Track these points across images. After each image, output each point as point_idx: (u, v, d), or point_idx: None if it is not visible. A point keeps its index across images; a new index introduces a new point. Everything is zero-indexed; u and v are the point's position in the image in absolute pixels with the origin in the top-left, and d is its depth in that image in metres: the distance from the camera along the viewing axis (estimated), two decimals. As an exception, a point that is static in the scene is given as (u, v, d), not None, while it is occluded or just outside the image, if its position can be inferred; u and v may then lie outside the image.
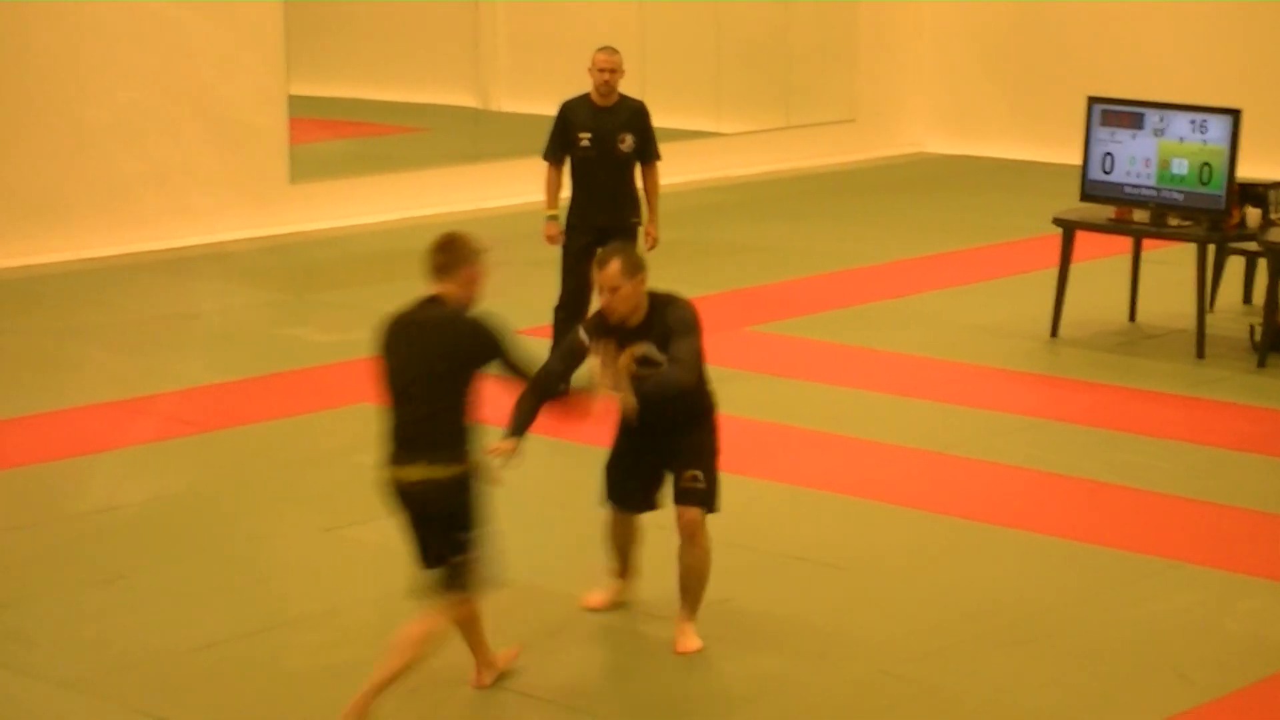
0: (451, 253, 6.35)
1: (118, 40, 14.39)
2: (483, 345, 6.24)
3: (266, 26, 15.32)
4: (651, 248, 10.37)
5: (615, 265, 6.61)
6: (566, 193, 10.35)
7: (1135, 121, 11.40)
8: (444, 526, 6.15)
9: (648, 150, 10.30)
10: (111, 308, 12.45)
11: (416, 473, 6.09)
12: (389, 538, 7.92)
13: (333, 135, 19.52)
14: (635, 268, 6.66)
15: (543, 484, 8.67)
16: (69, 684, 6.39)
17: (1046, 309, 11.73)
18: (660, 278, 12.69)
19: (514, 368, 6.31)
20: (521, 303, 12.18)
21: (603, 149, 10.18)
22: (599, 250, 7.04)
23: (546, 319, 10.38)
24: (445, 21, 20.83)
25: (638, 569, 7.19)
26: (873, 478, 8.95)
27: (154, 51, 14.62)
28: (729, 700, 6.46)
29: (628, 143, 10.19)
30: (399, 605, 7.20)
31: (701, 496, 6.76)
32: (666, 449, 6.80)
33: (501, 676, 6.47)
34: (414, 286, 13.21)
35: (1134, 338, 11.79)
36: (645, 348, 6.60)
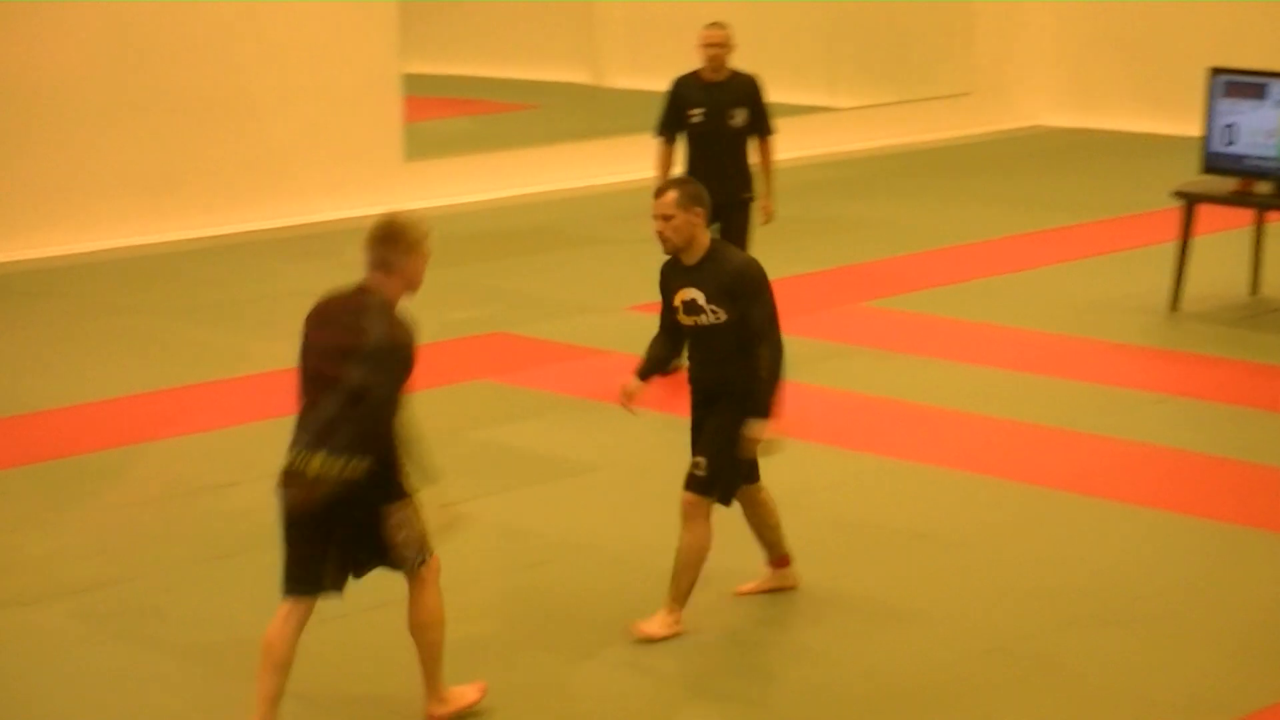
0: (390, 248, 5.78)
1: (236, 19, 14.53)
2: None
3: (381, 5, 15.42)
4: (765, 222, 10.35)
5: (671, 195, 6.54)
6: (680, 170, 10.33)
7: (1258, 92, 11.22)
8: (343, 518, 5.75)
9: (761, 124, 10.26)
10: (229, 286, 12.58)
11: (318, 464, 5.65)
12: (504, 513, 8.00)
13: (447, 113, 19.60)
14: (692, 199, 6.55)
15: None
16: (195, 656, 6.47)
17: (1166, 283, 11.58)
18: (775, 253, 12.71)
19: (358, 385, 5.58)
20: (633, 280, 12.22)
21: (714, 124, 10.15)
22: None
23: (658, 296, 10.36)
24: (559, -2, 20.86)
25: (781, 552, 7.06)
26: (988, 453, 8.87)
27: (270, 31, 14.75)
28: (844, 679, 6.42)
29: (739, 118, 10.16)
30: (515, 579, 7.25)
31: (699, 483, 6.60)
32: (699, 427, 6.74)
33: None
34: (525, 264, 13.28)
35: (1256, 311, 11.61)
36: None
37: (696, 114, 10.18)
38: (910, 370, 10.34)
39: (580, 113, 19.23)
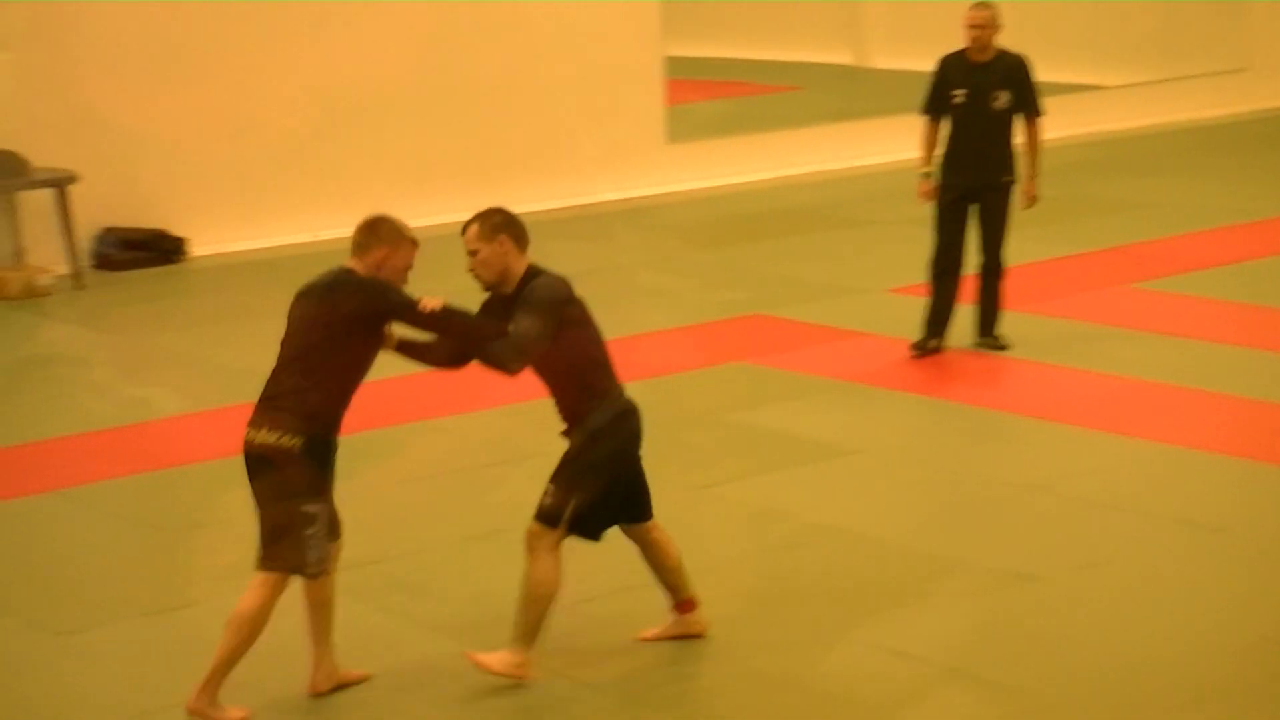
0: (369, 233, 5.99)
1: (503, 11, 14.74)
2: (360, 300, 5.87)
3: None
4: (1027, 206, 10.18)
5: (473, 228, 6.10)
6: (940, 150, 10.22)
7: None
8: (269, 496, 5.87)
9: (1027, 106, 10.09)
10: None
11: (261, 437, 5.84)
12: (761, 495, 8.00)
13: (709, 96, 19.66)
14: (496, 229, 6.07)
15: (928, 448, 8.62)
16: (453, 633, 6.57)
17: None
18: (1040, 235, 12.58)
19: (415, 319, 5.92)
20: (895, 262, 12.13)
21: (976, 105, 10.01)
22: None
23: (922, 277, 10.29)
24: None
25: (684, 596, 6.44)
26: (1260, 439, 8.62)
27: (536, 20, 14.94)
28: (1102, 668, 6.30)
29: (1001, 99, 10.00)
30: (771, 561, 7.25)
31: (543, 512, 6.06)
32: None
33: (342, 688, 6.09)
34: (785, 246, 13.24)
35: None
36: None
37: (959, 95, 10.05)
38: (1180, 353, 10.09)
39: (842, 94, 19.14)
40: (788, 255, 12.97)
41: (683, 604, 6.44)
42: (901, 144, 15.65)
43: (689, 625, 6.45)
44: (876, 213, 14.49)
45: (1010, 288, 10.30)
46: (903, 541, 7.38)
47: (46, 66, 12.79)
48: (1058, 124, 15.66)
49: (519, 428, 8.95)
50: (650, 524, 6.38)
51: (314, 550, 5.86)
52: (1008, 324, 10.30)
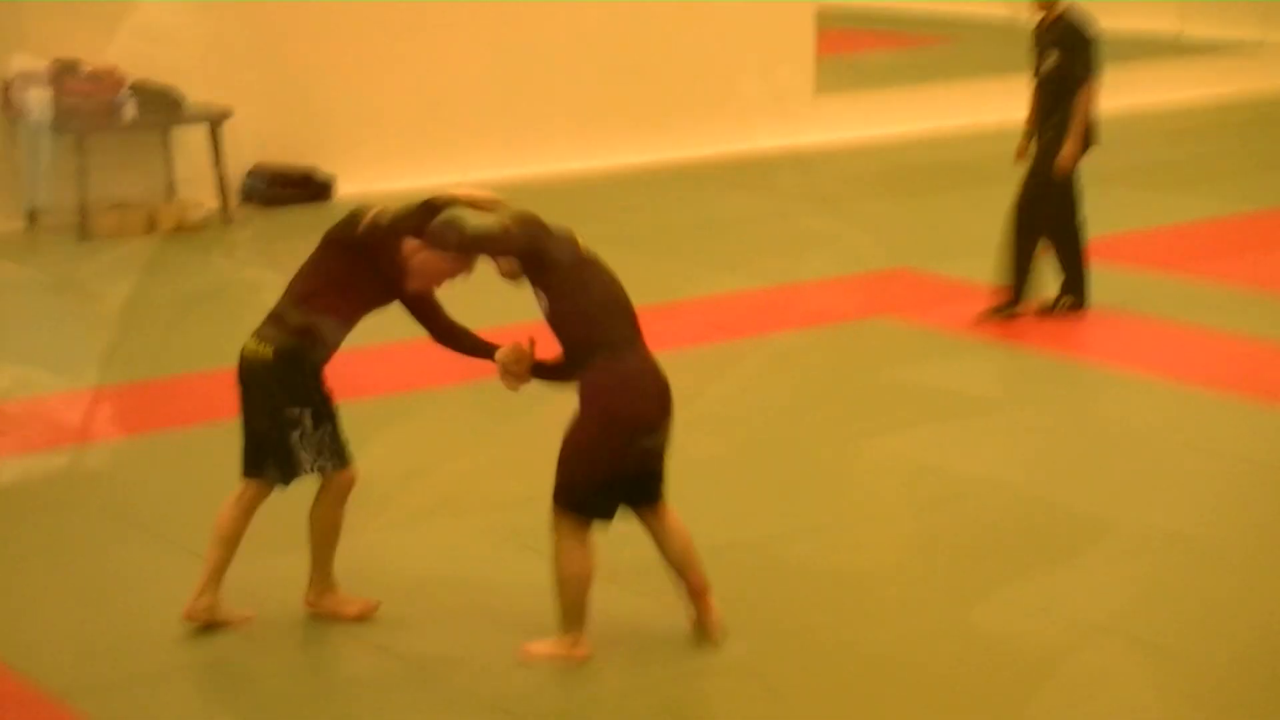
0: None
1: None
2: (348, 217, 6.03)
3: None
4: (1056, 174, 9.80)
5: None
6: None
7: None
8: (255, 405, 6.07)
9: (1072, 69, 9.72)
10: (645, 213, 12.73)
11: (248, 346, 6.09)
12: (911, 450, 7.93)
13: (864, 47, 19.49)
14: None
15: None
16: (605, 576, 6.57)
17: None
18: (1205, 193, 12.25)
19: (403, 216, 5.88)
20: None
21: (1036, 69, 9.86)
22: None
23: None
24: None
25: (688, 585, 6.05)
26: None
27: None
28: (1267, 635, 6.18)
29: (1048, 61, 9.77)
30: (922, 517, 7.18)
31: (554, 494, 5.80)
32: None
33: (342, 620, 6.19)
34: (933, 201, 13.10)
35: None
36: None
37: (1033, 58, 9.91)
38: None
39: (996, 46, 18.87)
40: (935, 210, 12.84)
41: (695, 589, 5.99)
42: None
43: (701, 613, 6.01)
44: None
45: (1172, 248, 10.13)
46: (1055, 498, 7.28)
47: (207, 7, 12.89)
48: (1222, 79, 15.40)
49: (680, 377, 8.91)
50: (658, 508, 5.93)
51: (305, 451, 6.00)
52: (1173, 285, 10.11)
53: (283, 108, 13.27)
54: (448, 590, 6.47)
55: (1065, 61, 9.71)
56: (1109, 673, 5.85)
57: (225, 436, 8.16)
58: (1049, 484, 7.49)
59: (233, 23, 12.94)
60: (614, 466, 5.76)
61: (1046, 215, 9.86)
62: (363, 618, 6.20)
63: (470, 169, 13.64)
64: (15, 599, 6.51)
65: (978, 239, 11.85)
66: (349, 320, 6.11)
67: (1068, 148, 9.71)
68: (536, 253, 5.74)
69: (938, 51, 19.65)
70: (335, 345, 6.11)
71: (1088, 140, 9.79)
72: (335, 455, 6.10)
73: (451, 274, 5.96)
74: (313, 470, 6.08)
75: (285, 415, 6.01)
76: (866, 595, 6.40)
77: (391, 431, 8.09)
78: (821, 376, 9.20)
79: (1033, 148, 9.89)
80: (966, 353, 9.42)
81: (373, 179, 13.47)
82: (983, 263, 11.21)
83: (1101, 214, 12.54)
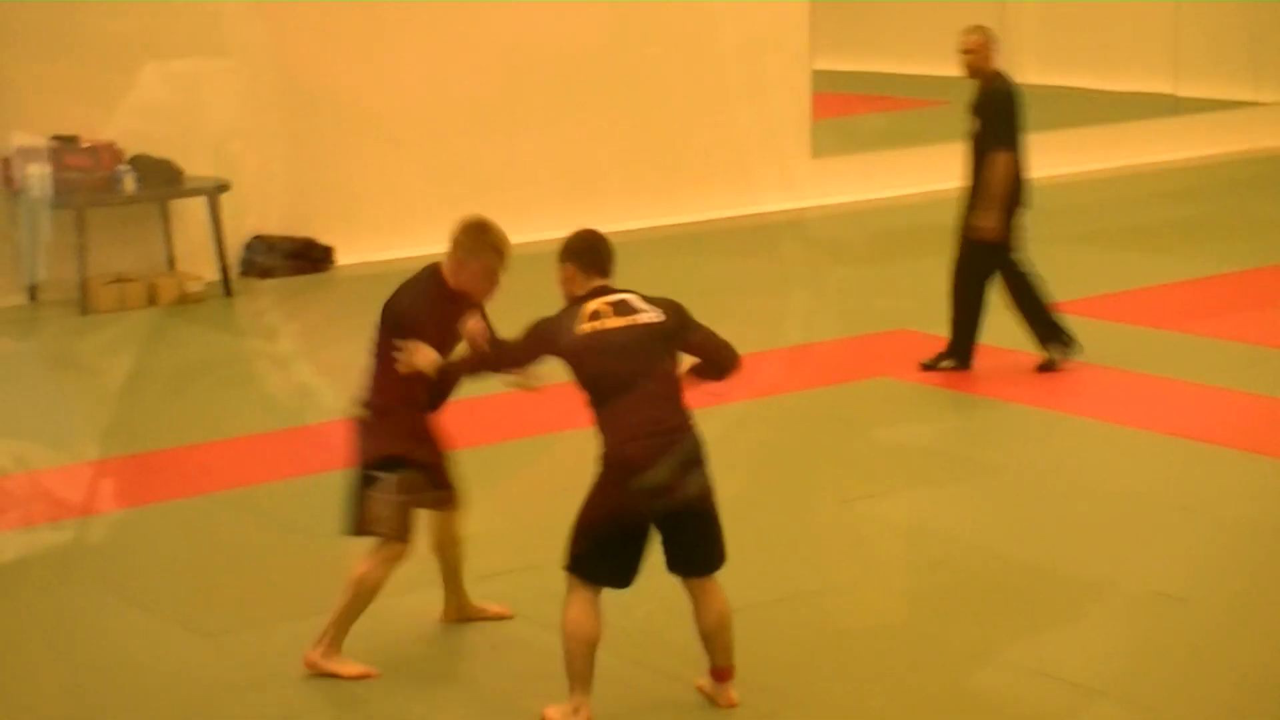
0: (451, 237, 6.26)
1: (646, 20, 14.79)
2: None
3: (793, 4, 15.49)
4: (975, 236, 9.89)
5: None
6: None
7: None
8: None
9: (990, 135, 9.80)
10: (644, 278, 12.74)
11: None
12: (907, 512, 7.95)
13: (858, 110, 19.58)
14: (561, 255, 6.07)
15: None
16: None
17: None
18: (1196, 254, 12.35)
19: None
20: (1043, 278, 11.99)
21: (970, 129, 9.92)
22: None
23: (1066, 294, 10.15)
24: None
25: (712, 664, 6.03)
26: None
27: (684, 30, 14.97)
28: (1261, 697, 6.18)
29: (974, 126, 9.86)
30: (917, 579, 7.19)
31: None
32: None
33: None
34: (930, 263, 13.16)
35: None
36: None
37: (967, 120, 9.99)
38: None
39: (990, 109, 18.94)
40: (935, 271, 12.85)
41: (716, 670, 5.99)
42: (1050, 160, 15.53)
43: (717, 694, 6.01)
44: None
45: (1164, 306, 10.16)
46: (1050, 561, 7.29)
47: (203, 80, 12.97)
48: (1216, 140, 15.49)
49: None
50: (700, 580, 5.92)
51: (384, 508, 6.19)
52: (1162, 341, 10.14)
53: (280, 179, 13.35)
54: (435, 660, 6.48)
55: (985, 128, 9.80)
56: (1106, 734, 5.86)
57: (224, 508, 8.23)
58: (1044, 546, 7.49)
59: (230, 95, 13.04)
60: (611, 516, 5.76)
61: (979, 276, 9.96)
62: (501, 617, 6.68)
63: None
64: (14, 675, 6.53)
65: (974, 300, 11.90)
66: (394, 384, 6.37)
67: (983, 216, 9.79)
68: (546, 351, 5.98)
69: (930, 114, 19.74)
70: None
71: (1016, 202, 9.88)
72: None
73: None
74: (383, 532, 6.34)
75: (364, 475, 6.39)
76: (867, 658, 6.40)
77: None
78: (821, 438, 9.23)
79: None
80: (963, 413, 9.44)
81: (372, 249, 13.54)
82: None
83: (1097, 273, 12.62)
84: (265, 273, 13.09)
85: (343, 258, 13.46)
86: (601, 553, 5.81)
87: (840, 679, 6.27)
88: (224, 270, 12.68)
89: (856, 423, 9.38)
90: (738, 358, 6.08)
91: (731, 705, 5.97)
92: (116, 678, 6.44)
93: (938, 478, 8.43)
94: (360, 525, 6.29)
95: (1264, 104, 18.41)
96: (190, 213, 12.90)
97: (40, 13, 12.42)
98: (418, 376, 6.18)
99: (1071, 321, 10.19)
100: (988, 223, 9.78)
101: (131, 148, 12.52)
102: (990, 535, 7.64)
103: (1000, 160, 9.74)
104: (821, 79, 16.03)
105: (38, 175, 12.10)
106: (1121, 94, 19.14)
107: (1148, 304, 11.65)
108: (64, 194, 12.12)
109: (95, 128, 12.49)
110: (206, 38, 12.96)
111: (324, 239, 13.46)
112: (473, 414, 7.41)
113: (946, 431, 9.13)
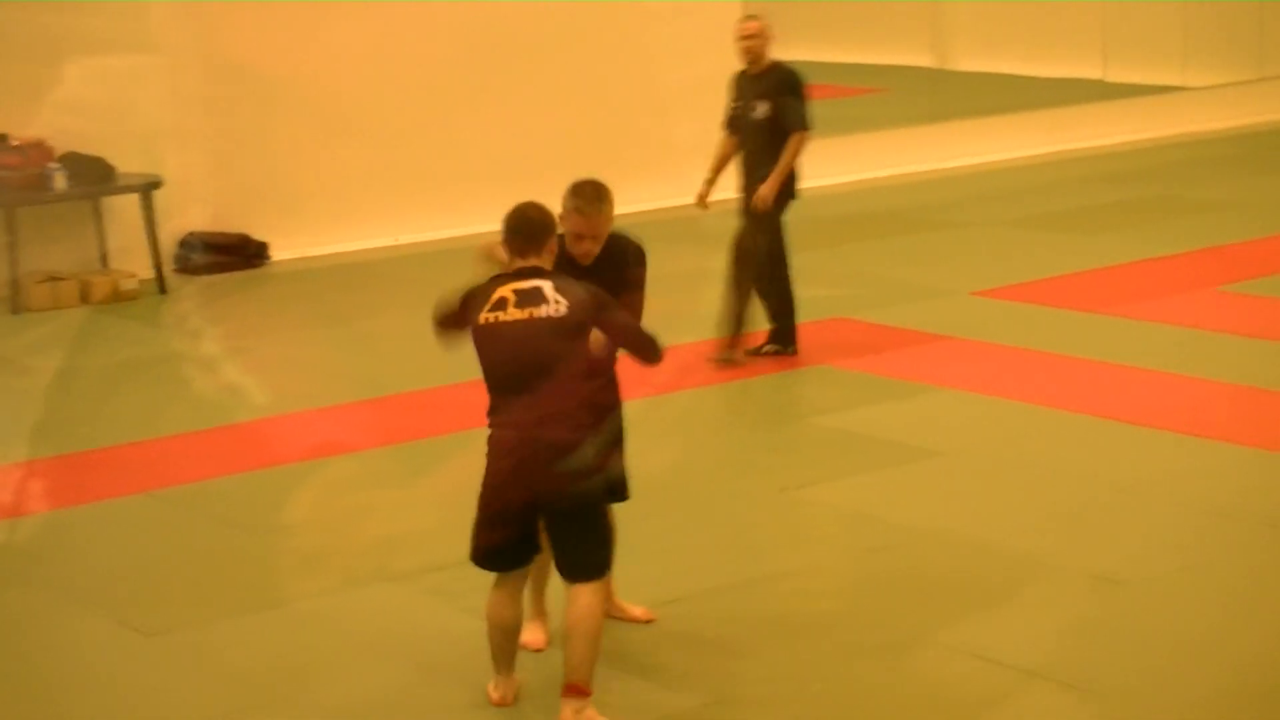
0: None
1: (588, 17, 14.79)
2: None
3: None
4: (757, 205, 10.10)
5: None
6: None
7: None
8: None
9: (785, 119, 10.00)
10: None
11: None
12: (848, 498, 7.97)
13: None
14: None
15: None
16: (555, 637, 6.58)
17: None
18: (1130, 237, 12.40)
19: None
20: (978, 264, 12.04)
21: (744, 117, 10.09)
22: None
23: (1004, 280, 10.19)
24: (903, -19, 20.72)
25: (568, 675, 5.81)
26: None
27: (624, 20, 14.97)
28: (1209, 670, 6.23)
29: (759, 110, 9.99)
30: (859, 564, 7.21)
31: None
32: None
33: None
34: (866, 249, 13.20)
35: None
36: None
37: (735, 107, 10.16)
38: (1270, 357, 9.98)
39: (926, 96, 19.04)
40: (869, 258, 12.92)
41: (567, 685, 5.76)
42: (986, 146, 15.64)
43: (562, 709, 5.76)
44: (961, 215, 14.40)
45: (1098, 290, 10.22)
46: (991, 544, 7.33)
47: (133, 76, 12.89)
48: (1143, 125, 15.58)
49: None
50: (570, 586, 5.79)
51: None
52: (1097, 325, 10.20)
53: (214, 175, 13.27)
54: (387, 652, 6.47)
55: (777, 112, 9.96)
56: (1041, 717, 5.88)
57: (162, 506, 8.18)
58: (984, 530, 7.52)
59: (161, 92, 12.95)
60: (485, 504, 5.78)
61: (759, 261, 10.17)
62: (647, 619, 6.53)
63: (403, 232, 13.68)
64: (-50, 677, 6.47)
65: (912, 286, 11.96)
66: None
67: (767, 186, 9.99)
68: (454, 322, 5.92)
69: (869, 101, 19.81)
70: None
71: (790, 192, 10.09)
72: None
73: None
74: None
75: None
76: (808, 645, 6.41)
77: (312, 500, 8.06)
78: (760, 426, 9.25)
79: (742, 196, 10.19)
80: (901, 400, 9.48)
81: (308, 243, 13.48)
82: (918, 309, 11.32)
83: (1032, 257, 12.69)
84: (200, 269, 13.01)
85: (278, 253, 13.39)
86: (486, 541, 5.83)
87: (780, 666, 6.28)
88: (158, 268, 12.60)
89: (795, 411, 9.40)
90: (658, 349, 6.04)
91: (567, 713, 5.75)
92: (57, 678, 6.39)
93: (876, 463, 8.46)
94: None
95: (1191, 89, 18.59)
96: (123, 210, 12.81)
97: (-33, 10, 12.32)
98: None
99: (1006, 306, 10.23)
100: (772, 194, 10.01)
101: (61, 145, 12.43)
102: (930, 520, 7.66)
103: (803, 140, 10.03)
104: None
105: (-35, 174, 12.00)
106: (1052, 80, 19.29)
107: (1082, 288, 11.71)
108: (-7, 193, 12.03)
109: (24, 125, 12.39)
110: (135, 33, 12.87)
111: (259, 234, 13.39)
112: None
113: (884, 417, 9.16)
